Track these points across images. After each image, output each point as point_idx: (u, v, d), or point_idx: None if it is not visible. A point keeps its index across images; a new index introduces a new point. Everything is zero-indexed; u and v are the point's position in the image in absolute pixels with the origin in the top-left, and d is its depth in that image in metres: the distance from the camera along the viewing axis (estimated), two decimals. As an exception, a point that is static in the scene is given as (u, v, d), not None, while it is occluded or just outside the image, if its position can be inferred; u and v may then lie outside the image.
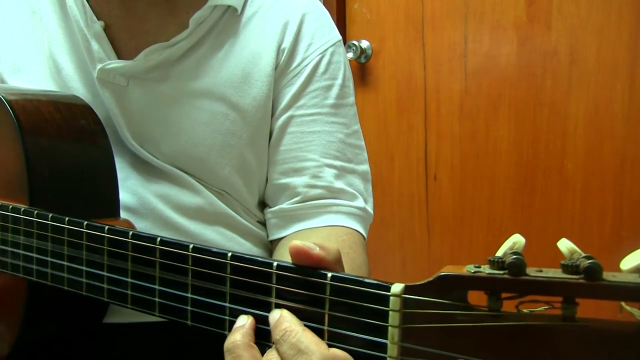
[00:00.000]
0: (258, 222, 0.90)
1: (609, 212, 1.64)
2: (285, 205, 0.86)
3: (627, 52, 1.58)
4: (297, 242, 0.49)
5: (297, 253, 0.49)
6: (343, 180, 0.87)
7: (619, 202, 1.63)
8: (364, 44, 1.89)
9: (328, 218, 0.84)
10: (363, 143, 0.93)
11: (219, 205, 0.85)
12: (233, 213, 0.86)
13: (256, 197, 0.89)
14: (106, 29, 0.83)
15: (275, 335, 0.48)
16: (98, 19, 0.83)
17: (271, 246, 0.90)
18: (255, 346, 0.50)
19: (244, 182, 0.86)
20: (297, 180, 0.85)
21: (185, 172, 0.84)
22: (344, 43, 1.88)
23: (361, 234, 0.86)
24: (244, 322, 0.51)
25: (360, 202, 0.87)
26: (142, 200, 0.82)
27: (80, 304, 0.74)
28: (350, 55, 1.88)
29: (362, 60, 1.90)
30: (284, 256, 0.83)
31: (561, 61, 1.65)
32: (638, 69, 1.57)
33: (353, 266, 0.78)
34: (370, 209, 0.89)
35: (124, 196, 0.81)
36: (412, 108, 1.87)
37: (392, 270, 1.96)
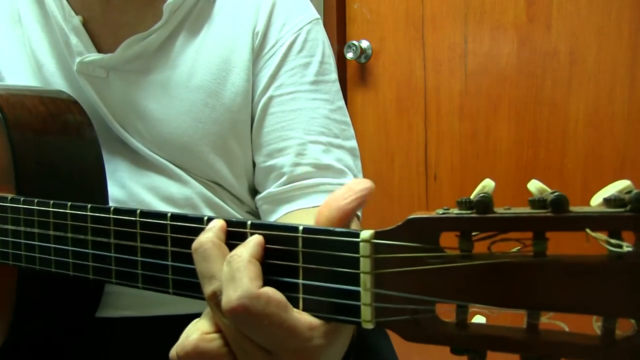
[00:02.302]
0: (248, 212, 0.89)
1: (609, 212, 1.64)
2: (272, 189, 0.84)
3: (627, 52, 1.58)
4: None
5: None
6: (331, 155, 0.84)
7: (619, 202, 1.62)
8: (364, 44, 1.90)
9: (317, 198, 0.83)
10: (349, 119, 0.90)
11: (207, 196, 0.84)
12: (221, 203, 0.85)
13: (245, 185, 0.88)
14: (85, 24, 0.83)
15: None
16: (76, 14, 0.83)
17: None
18: (225, 246, 0.49)
19: (229, 169, 0.85)
20: (282, 161, 0.83)
21: (172, 163, 0.84)
22: (344, 43, 1.90)
23: None
24: (215, 224, 0.50)
25: (349, 179, 0.84)
26: (131, 193, 0.82)
27: (72, 296, 0.75)
28: (350, 55, 1.89)
29: (362, 60, 1.91)
30: None
31: (561, 61, 1.66)
32: (638, 69, 1.57)
33: None
34: None
35: (113, 189, 0.81)
36: (412, 108, 1.87)
37: (392, 271, 1.95)
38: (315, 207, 0.82)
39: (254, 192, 0.90)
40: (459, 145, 1.82)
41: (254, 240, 0.48)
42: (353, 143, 0.89)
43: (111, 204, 0.80)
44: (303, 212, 0.83)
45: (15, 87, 0.81)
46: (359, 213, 0.86)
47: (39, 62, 0.84)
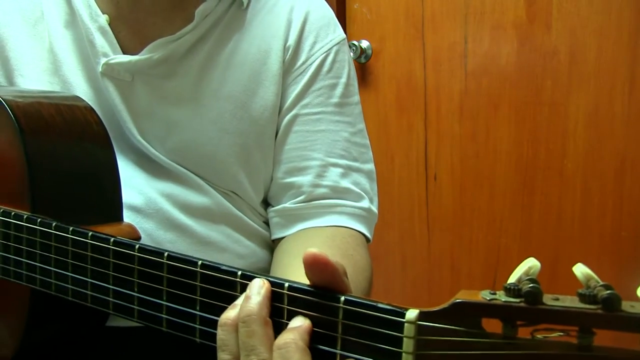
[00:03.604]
0: (264, 222, 0.90)
1: (609, 212, 1.64)
2: (288, 205, 0.86)
3: (627, 52, 1.58)
4: (314, 250, 0.46)
5: (315, 261, 0.46)
6: (349, 179, 0.86)
7: (619, 202, 1.63)
8: (364, 44, 1.89)
9: (332, 218, 0.84)
10: (368, 142, 0.93)
11: (225, 206, 0.84)
12: (240, 213, 0.86)
13: (261, 196, 0.89)
14: (111, 23, 0.82)
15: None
16: (103, 12, 0.82)
17: (273, 245, 0.90)
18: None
19: (250, 180, 0.86)
20: (302, 180, 0.85)
21: (191, 172, 0.83)
22: (344, 43, 1.89)
23: (365, 235, 0.86)
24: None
25: (365, 203, 0.87)
26: (148, 200, 0.81)
27: (84, 306, 0.74)
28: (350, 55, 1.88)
29: (362, 60, 1.89)
30: (284, 255, 0.83)
31: (561, 61, 1.65)
32: (638, 69, 1.57)
33: (357, 268, 0.78)
34: (375, 209, 0.89)
35: (130, 195, 0.80)
36: (412, 108, 1.87)
37: (392, 270, 1.96)
38: (329, 226, 0.84)
39: (265, 203, 0.91)
40: (459, 145, 1.82)
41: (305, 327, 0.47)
42: (371, 166, 0.91)
43: (127, 211, 0.79)
44: (317, 230, 0.84)
45: (33, 93, 0.79)
46: (368, 235, 0.87)
47: (59, 60, 0.83)
